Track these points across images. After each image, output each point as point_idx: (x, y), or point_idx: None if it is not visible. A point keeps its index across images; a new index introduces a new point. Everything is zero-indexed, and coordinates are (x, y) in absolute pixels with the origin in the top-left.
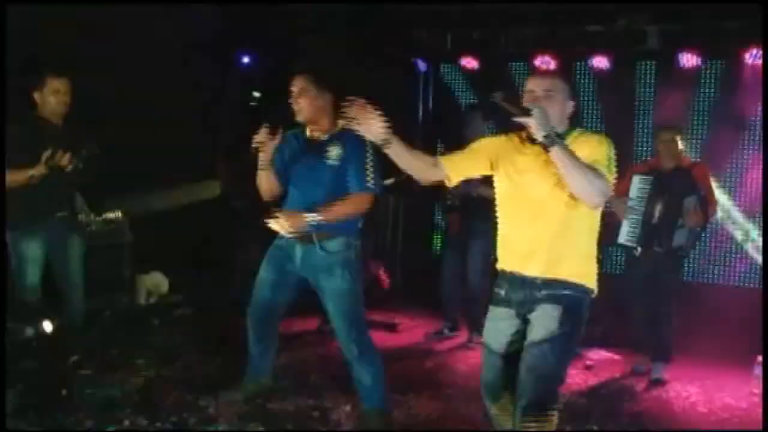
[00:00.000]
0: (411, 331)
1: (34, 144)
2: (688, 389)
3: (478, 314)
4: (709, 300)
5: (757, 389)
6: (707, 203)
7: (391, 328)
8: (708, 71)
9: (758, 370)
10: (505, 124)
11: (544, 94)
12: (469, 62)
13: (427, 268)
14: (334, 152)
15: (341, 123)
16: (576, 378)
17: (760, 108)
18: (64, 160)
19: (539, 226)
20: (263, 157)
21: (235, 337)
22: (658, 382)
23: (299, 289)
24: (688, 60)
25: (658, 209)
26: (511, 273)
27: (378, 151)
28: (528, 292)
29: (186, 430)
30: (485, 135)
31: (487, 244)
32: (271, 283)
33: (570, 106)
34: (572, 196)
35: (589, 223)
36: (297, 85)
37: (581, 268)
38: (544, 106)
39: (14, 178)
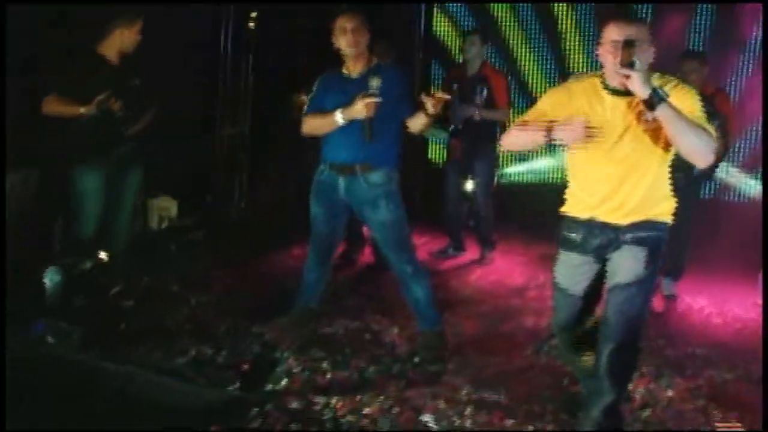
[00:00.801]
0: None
1: (89, 81)
2: (699, 301)
3: (488, 233)
4: (711, 214)
5: (759, 299)
6: (727, 130)
7: None
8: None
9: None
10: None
11: (631, 40)
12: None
13: (428, 187)
14: (375, 84)
15: (374, 59)
16: None
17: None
18: (116, 106)
19: (631, 179)
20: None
21: (254, 261)
22: (671, 298)
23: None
24: None
25: None
26: (589, 219)
27: None
28: (612, 236)
29: (252, 357)
30: (478, 62)
31: (492, 164)
32: (323, 217)
33: (652, 53)
34: (665, 149)
35: (668, 164)
36: (352, 22)
37: (663, 208)
38: (639, 57)
39: (63, 110)
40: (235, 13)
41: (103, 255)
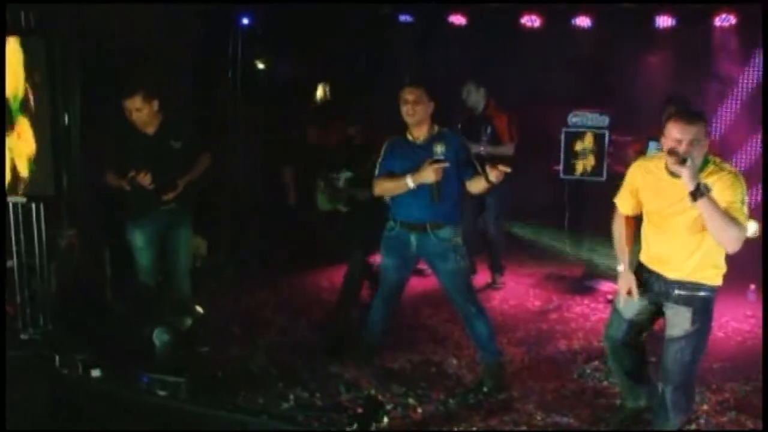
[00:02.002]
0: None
1: (126, 153)
2: None
3: (498, 259)
4: None
5: (750, 311)
6: None
7: (420, 273)
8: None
9: (752, 296)
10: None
11: (688, 139)
12: (457, 18)
13: None
14: (439, 150)
15: (437, 126)
16: (604, 312)
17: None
18: (146, 180)
19: (680, 242)
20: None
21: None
22: None
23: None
24: (664, 21)
25: None
26: (652, 270)
27: None
28: (664, 288)
29: (341, 396)
30: (481, 103)
31: (504, 197)
32: (393, 266)
33: (707, 145)
34: (702, 225)
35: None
36: (413, 95)
37: (711, 273)
38: (692, 153)
39: (113, 182)
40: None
41: (199, 309)
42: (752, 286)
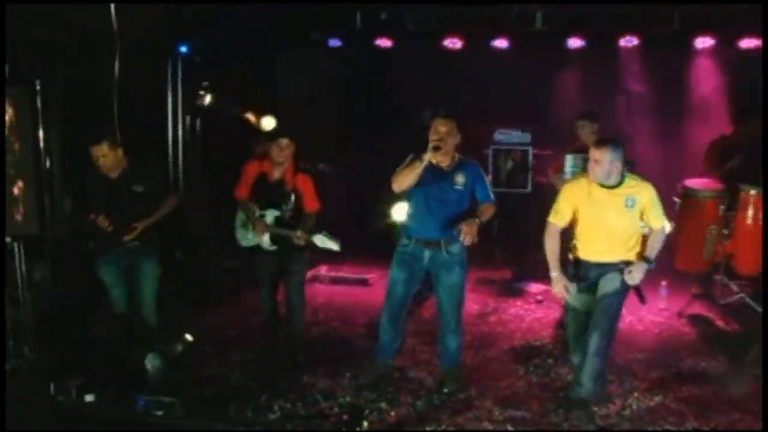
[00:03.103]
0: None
1: (93, 196)
2: None
3: None
4: None
5: (663, 305)
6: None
7: (364, 282)
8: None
9: (663, 291)
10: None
11: (609, 160)
12: (383, 41)
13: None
14: (460, 179)
15: (458, 156)
16: (536, 312)
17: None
18: (104, 223)
19: (617, 237)
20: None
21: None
22: None
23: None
24: (575, 42)
25: None
26: (588, 261)
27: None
28: (603, 270)
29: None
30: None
31: None
32: (403, 281)
33: (621, 162)
34: (632, 224)
35: (637, 228)
36: (446, 126)
37: (632, 253)
38: (614, 170)
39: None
40: None
41: (189, 337)
42: (663, 282)
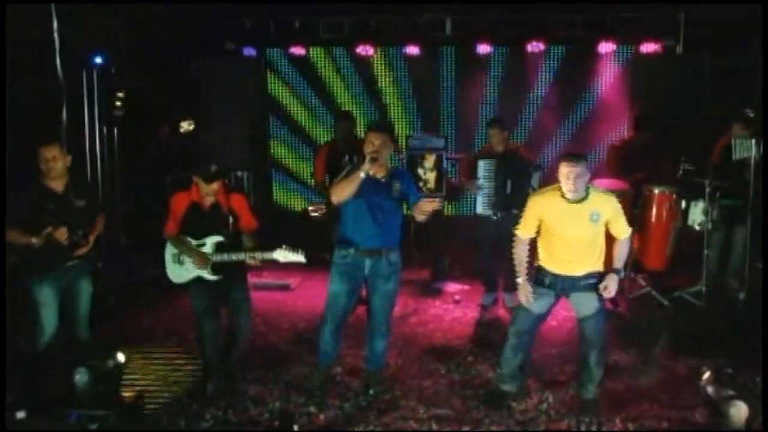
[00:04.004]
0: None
1: (36, 211)
2: None
3: None
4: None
5: None
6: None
7: (286, 287)
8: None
9: None
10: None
11: (576, 175)
12: (297, 49)
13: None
14: (397, 187)
15: (390, 165)
16: (455, 312)
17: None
18: (62, 235)
19: (583, 249)
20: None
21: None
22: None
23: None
24: (483, 48)
25: (509, 183)
26: (558, 273)
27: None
28: (571, 283)
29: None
30: (351, 133)
31: None
32: (346, 292)
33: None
34: (597, 236)
35: (602, 239)
36: (380, 138)
37: (600, 260)
38: (580, 185)
39: (18, 239)
40: None
41: (121, 356)
42: None
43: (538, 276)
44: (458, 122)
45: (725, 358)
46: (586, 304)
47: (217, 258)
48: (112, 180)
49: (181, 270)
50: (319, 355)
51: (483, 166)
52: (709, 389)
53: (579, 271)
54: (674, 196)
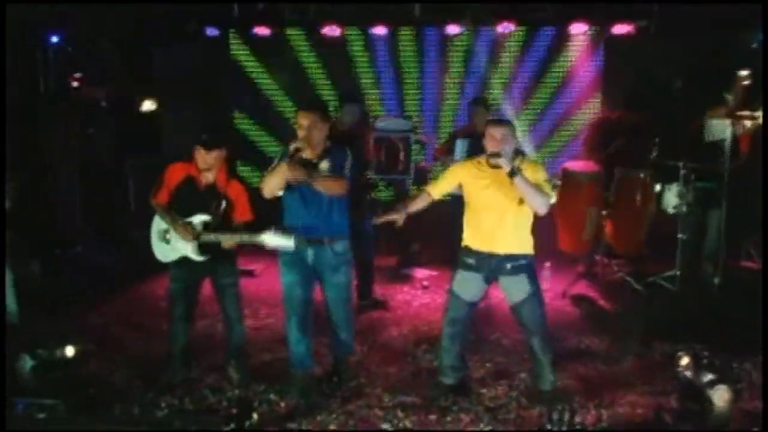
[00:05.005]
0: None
1: None
2: None
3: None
4: None
5: (547, 285)
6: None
7: (249, 273)
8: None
9: (546, 273)
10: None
11: (502, 137)
12: (261, 30)
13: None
14: (324, 166)
15: (328, 144)
16: (423, 298)
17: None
18: None
19: (504, 217)
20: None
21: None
22: None
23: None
24: (453, 29)
25: None
26: (482, 252)
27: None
28: (495, 263)
29: (206, 399)
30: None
31: None
32: (299, 282)
33: (514, 143)
34: (519, 202)
35: (528, 212)
36: (308, 119)
37: (528, 245)
38: (503, 146)
39: None
40: None
41: (70, 346)
42: (547, 264)
43: (464, 259)
44: (426, 104)
45: (701, 343)
46: (514, 288)
47: (205, 237)
48: (67, 165)
49: (166, 249)
50: (292, 360)
51: (461, 145)
52: (688, 374)
53: (503, 248)
54: (648, 180)
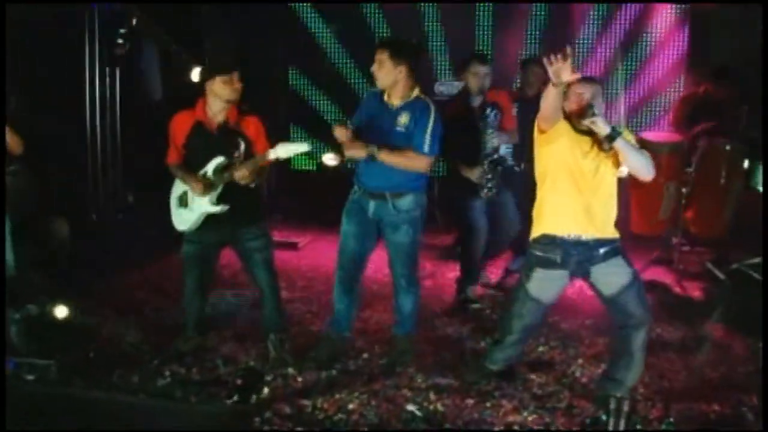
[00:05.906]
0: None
1: None
2: None
3: None
4: None
5: None
6: None
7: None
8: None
9: None
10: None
11: (592, 96)
12: None
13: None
14: (404, 119)
15: (414, 92)
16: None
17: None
18: None
19: (594, 195)
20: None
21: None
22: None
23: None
24: None
25: None
26: (565, 238)
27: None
28: (584, 251)
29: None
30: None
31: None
32: (354, 235)
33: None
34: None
35: (615, 186)
36: (376, 58)
37: (613, 223)
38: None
39: None
40: None
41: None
42: None
43: (543, 254)
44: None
45: None
46: (615, 274)
47: (217, 179)
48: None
49: (185, 214)
50: (330, 319)
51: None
52: None
53: (595, 232)
54: (735, 153)
